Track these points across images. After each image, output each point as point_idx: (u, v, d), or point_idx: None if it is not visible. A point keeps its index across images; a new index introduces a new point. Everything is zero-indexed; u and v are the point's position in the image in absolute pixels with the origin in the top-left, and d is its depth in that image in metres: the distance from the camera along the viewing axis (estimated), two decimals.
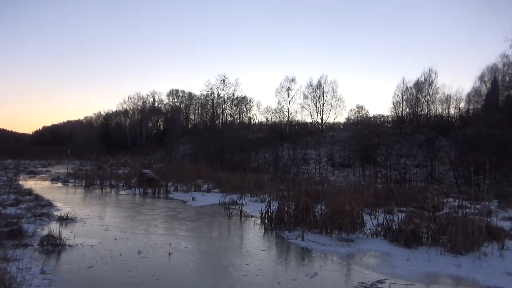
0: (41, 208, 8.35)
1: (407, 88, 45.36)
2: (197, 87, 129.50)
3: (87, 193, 12.79)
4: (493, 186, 18.43)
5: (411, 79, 52.56)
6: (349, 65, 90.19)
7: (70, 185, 15.59)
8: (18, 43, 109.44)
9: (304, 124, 53.00)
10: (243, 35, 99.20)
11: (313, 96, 51.25)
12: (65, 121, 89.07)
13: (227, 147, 31.97)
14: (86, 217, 7.70)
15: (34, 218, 7.03)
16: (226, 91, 54.68)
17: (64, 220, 7.15)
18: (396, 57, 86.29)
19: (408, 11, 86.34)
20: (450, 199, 12.31)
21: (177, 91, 65.15)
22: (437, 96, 43.98)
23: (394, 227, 6.10)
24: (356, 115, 51.83)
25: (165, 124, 62.25)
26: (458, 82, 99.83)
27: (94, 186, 14.62)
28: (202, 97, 57.90)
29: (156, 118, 67.41)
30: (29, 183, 15.39)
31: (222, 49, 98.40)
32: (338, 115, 67.58)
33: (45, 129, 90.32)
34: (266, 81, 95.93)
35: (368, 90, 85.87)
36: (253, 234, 6.73)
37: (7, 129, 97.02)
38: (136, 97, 67.60)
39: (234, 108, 58.35)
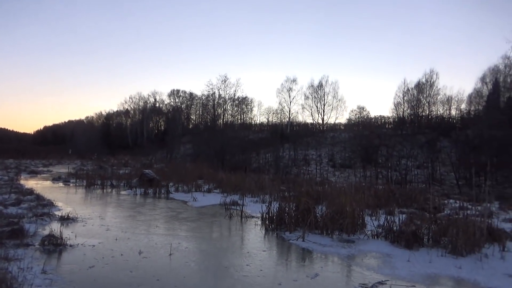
0: (42, 207, 8.35)
1: (408, 89, 45.48)
2: (198, 87, 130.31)
3: (88, 193, 12.80)
4: (494, 188, 18.43)
5: (412, 80, 52.39)
6: (350, 65, 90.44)
7: (71, 185, 15.60)
8: (19, 43, 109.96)
9: (305, 124, 53.02)
10: (244, 36, 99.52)
11: (314, 96, 51.30)
12: (66, 121, 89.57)
13: (228, 147, 31.98)
14: (87, 217, 7.71)
15: (35, 217, 7.03)
16: (227, 92, 54.88)
17: (65, 220, 7.16)
18: (397, 58, 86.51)
19: (409, 11, 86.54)
20: (451, 201, 12.29)
21: (178, 91, 65.37)
22: (438, 97, 44.08)
23: (395, 228, 6.09)
24: (357, 116, 51.78)
25: (166, 124, 62.34)
26: (459, 83, 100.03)
27: (95, 186, 14.63)
28: (203, 97, 58.12)
29: (157, 118, 67.54)
30: (30, 183, 15.41)
31: (223, 50, 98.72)
32: (339, 116, 67.94)
33: (46, 129, 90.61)
34: (267, 81, 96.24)
35: (369, 91, 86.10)
36: (254, 234, 6.73)
37: (9, 129, 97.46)
38: (137, 97, 67.95)
39: (235, 109, 58.48)
